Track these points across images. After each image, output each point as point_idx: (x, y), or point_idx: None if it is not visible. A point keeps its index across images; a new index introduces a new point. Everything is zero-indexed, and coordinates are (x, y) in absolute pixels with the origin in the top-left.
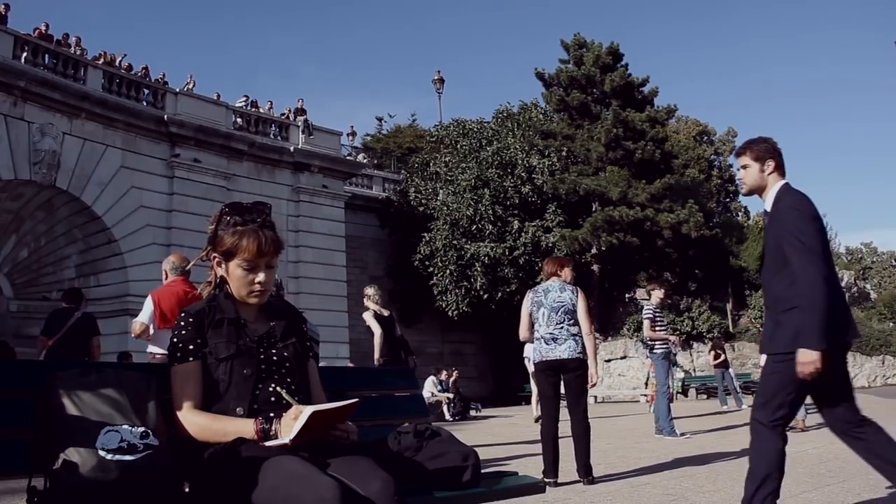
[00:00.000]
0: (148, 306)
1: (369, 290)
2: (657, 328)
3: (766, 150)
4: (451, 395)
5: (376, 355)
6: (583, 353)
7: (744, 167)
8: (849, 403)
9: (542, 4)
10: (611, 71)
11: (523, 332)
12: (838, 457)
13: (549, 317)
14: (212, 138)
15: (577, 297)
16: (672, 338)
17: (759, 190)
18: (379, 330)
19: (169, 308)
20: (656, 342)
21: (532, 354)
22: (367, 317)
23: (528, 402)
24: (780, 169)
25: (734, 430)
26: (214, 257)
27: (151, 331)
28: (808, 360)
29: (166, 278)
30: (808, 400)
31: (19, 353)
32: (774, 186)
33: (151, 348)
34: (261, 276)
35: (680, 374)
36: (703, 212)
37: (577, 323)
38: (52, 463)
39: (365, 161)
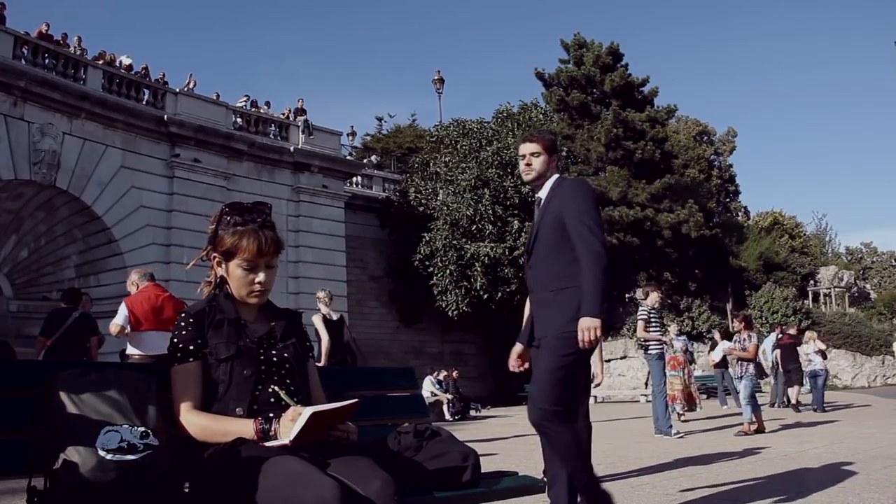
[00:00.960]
0: (122, 311)
1: (320, 294)
2: (651, 329)
3: (555, 144)
4: (449, 396)
5: (322, 361)
6: None
7: (534, 154)
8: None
9: (542, 4)
10: (611, 71)
11: None
12: (838, 457)
13: None
14: (212, 138)
15: None
16: (666, 338)
17: (542, 179)
18: (326, 336)
19: (142, 312)
20: (650, 343)
21: None
22: (316, 320)
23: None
24: (559, 164)
25: (734, 430)
26: (214, 257)
27: (128, 329)
28: (590, 325)
29: (137, 289)
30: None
31: (19, 353)
32: (553, 178)
33: (129, 350)
34: (261, 277)
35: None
36: (703, 212)
37: None
38: (52, 463)
39: (375, 161)
